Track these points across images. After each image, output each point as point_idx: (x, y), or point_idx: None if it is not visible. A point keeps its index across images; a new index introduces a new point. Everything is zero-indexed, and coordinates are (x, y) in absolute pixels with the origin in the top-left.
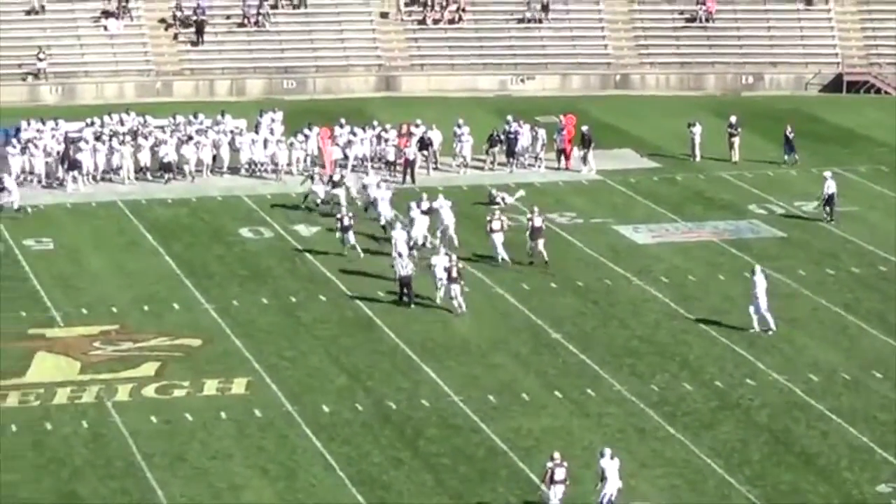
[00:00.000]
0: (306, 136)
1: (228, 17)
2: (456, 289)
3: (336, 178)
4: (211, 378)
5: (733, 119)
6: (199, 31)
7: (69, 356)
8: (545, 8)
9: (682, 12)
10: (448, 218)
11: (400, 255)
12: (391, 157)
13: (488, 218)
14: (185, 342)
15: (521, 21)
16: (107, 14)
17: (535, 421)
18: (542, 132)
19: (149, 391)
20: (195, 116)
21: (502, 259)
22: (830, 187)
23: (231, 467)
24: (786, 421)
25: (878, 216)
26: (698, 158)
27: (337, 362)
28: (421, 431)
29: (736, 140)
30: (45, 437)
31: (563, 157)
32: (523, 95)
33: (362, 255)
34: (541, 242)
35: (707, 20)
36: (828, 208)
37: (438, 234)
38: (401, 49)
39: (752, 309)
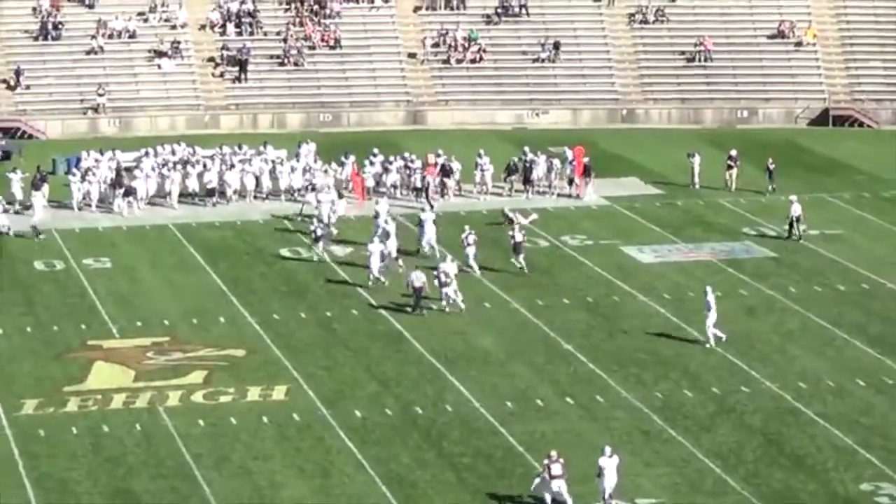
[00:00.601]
0: (342, 164)
1: (271, 56)
2: (447, 291)
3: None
4: (254, 385)
5: (734, 152)
6: (243, 69)
7: (125, 365)
8: (557, 49)
9: (682, 53)
10: (430, 230)
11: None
12: (418, 185)
13: (464, 235)
14: (231, 353)
15: (535, 61)
16: (160, 54)
17: (549, 424)
18: (556, 162)
19: (197, 397)
20: (240, 147)
21: (471, 268)
22: (796, 210)
23: (272, 466)
24: (777, 425)
25: (861, 238)
26: (697, 186)
27: (368, 371)
28: (445, 434)
29: (734, 171)
30: (103, 439)
31: (573, 185)
32: (538, 128)
33: (318, 260)
34: (521, 256)
35: (705, 60)
36: (795, 228)
37: (425, 244)
38: (427, 86)
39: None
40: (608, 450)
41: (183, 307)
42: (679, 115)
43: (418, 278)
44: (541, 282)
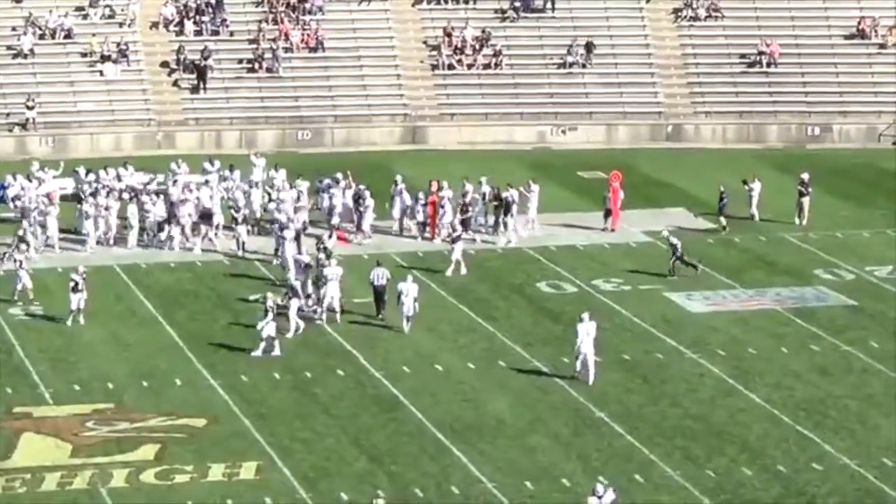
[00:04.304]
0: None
1: (239, 61)
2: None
3: None
4: (217, 462)
5: (805, 176)
6: (201, 77)
7: (59, 438)
8: (589, 51)
9: (740, 56)
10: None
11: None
12: (420, 218)
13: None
14: (188, 422)
15: (562, 66)
16: (103, 57)
17: None
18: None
19: (148, 476)
20: (212, 163)
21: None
22: (673, 242)
23: None
24: None
25: None
26: (757, 218)
27: (357, 444)
28: None
29: (806, 200)
30: None
31: (608, 218)
32: (564, 148)
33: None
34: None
35: (769, 65)
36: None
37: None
38: (429, 97)
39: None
40: (600, 488)
41: (130, 367)
42: (736, 132)
43: (380, 276)
44: (566, 335)
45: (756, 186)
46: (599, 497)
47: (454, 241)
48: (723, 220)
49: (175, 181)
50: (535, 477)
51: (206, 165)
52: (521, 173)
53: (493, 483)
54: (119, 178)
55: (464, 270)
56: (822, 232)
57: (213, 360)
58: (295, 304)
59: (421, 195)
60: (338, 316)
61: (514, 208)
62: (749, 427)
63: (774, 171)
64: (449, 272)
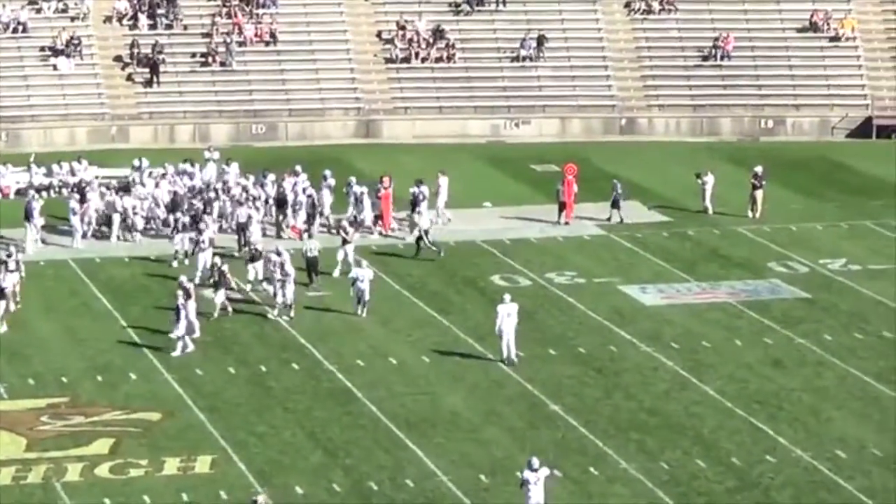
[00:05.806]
0: (261, 184)
1: (193, 54)
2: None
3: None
4: (171, 456)
5: (759, 169)
6: (154, 72)
7: (13, 432)
8: (542, 45)
9: (694, 49)
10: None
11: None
12: (373, 212)
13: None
14: (143, 416)
15: (515, 59)
16: (56, 51)
17: None
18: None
19: (102, 471)
20: (192, 164)
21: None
22: (425, 223)
23: None
24: (811, 502)
25: None
26: (710, 211)
27: (312, 438)
28: None
29: (759, 193)
30: None
31: (562, 212)
32: (518, 141)
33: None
34: (221, 293)
35: (722, 58)
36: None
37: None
38: (382, 91)
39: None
40: (535, 461)
41: (85, 361)
42: (690, 125)
43: (311, 249)
44: (521, 329)
45: (709, 179)
46: (535, 470)
47: (344, 242)
48: (617, 213)
49: (180, 175)
50: (489, 470)
51: (186, 166)
52: (476, 166)
53: (448, 476)
54: (73, 172)
55: (336, 273)
56: (776, 225)
57: (168, 355)
58: (192, 305)
59: (366, 189)
60: (292, 311)
61: (424, 204)
62: (703, 419)
63: (728, 164)
64: (336, 273)
